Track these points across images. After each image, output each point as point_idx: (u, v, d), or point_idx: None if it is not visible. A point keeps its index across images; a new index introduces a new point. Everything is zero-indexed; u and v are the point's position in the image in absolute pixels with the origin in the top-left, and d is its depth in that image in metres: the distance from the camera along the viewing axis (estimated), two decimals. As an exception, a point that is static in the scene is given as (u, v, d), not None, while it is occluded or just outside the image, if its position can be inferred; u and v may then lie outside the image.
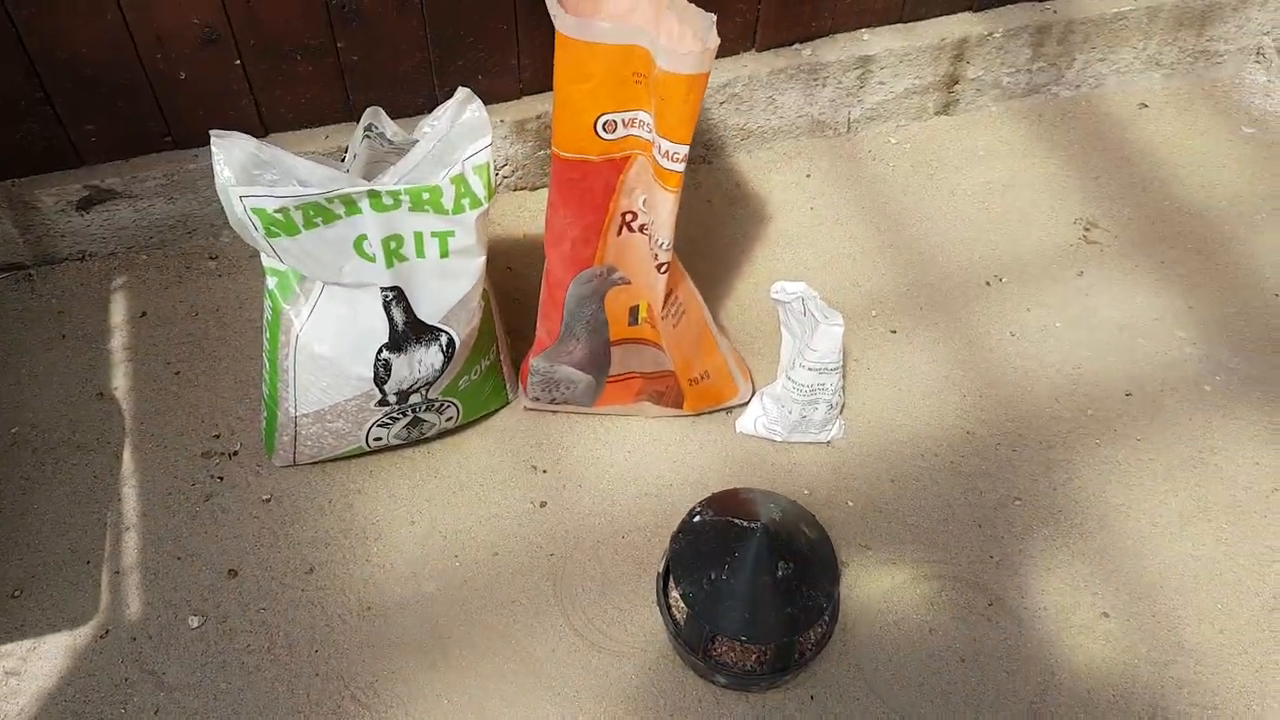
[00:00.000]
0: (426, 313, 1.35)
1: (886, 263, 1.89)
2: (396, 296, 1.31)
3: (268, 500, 1.53)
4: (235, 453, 1.57)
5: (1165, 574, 1.51)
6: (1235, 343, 1.79)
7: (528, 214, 1.92)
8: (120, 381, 1.64)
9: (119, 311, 1.72)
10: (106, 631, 1.40)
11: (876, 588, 1.49)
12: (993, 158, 2.09)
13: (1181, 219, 1.98)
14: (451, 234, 1.28)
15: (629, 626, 1.44)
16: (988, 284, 1.87)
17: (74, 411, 1.60)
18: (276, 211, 1.19)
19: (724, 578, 1.29)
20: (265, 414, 1.50)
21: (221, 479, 1.55)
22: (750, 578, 1.28)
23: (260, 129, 1.74)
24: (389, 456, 1.58)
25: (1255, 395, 1.72)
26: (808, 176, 2.02)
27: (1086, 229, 1.96)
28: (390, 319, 1.32)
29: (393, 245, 1.27)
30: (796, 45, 1.97)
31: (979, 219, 1.97)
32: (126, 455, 1.56)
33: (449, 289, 1.34)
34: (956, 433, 1.66)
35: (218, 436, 1.59)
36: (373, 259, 1.28)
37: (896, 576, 1.50)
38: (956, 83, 2.09)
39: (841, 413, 1.65)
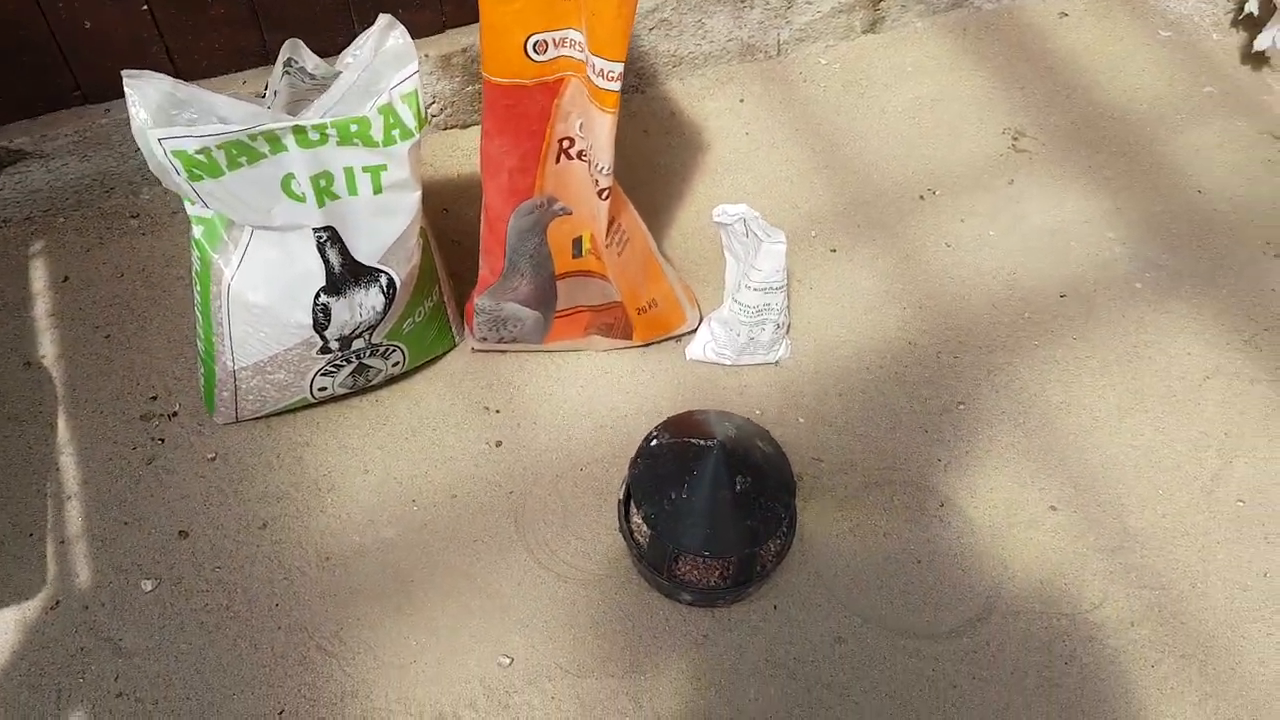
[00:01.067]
0: (364, 253, 1.32)
1: (823, 183, 1.90)
2: (331, 237, 1.28)
3: (213, 459, 1.49)
4: (175, 414, 1.53)
5: (1107, 465, 1.56)
6: (1163, 240, 1.84)
7: (460, 153, 1.88)
8: (48, 349, 1.58)
9: (40, 277, 1.65)
10: (57, 603, 1.36)
11: (830, 498, 1.51)
12: (921, 73, 2.10)
13: (1106, 123, 2.02)
14: (383, 168, 1.25)
15: (593, 555, 1.44)
16: (921, 198, 1.89)
17: (1, 383, 1.54)
18: (198, 153, 1.15)
19: (684, 496, 1.29)
20: (203, 371, 1.46)
21: (163, 441, 1.51)
22: (709, 494, 1.29)
23: (174, 77, 1.66)
24: (336, 407, 1.55)
25: (1184, 289, 1.77)
26: (741, 101, 2.01)
27: (1015, 138, 1.99)
28: (326, 261, 1.29)
29: (322, 183, 1.23)
30: (722, -33, 1.95)
31: (910, 135, 1.99)
32: (61, 423, 1.51)
33: (385, 227, 1.31)
34: (899, 344, 1.69)
35: (155, 398, 1.54)
36: (302, 199, 1.24)
37: (849, 486, 1.52)
38: (881, 0, 2.09)
39: (788, 333, 1.66)
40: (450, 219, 1.78)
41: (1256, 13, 2.08)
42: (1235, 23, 2.17)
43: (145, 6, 1.56)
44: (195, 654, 1.33)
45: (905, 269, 1.78)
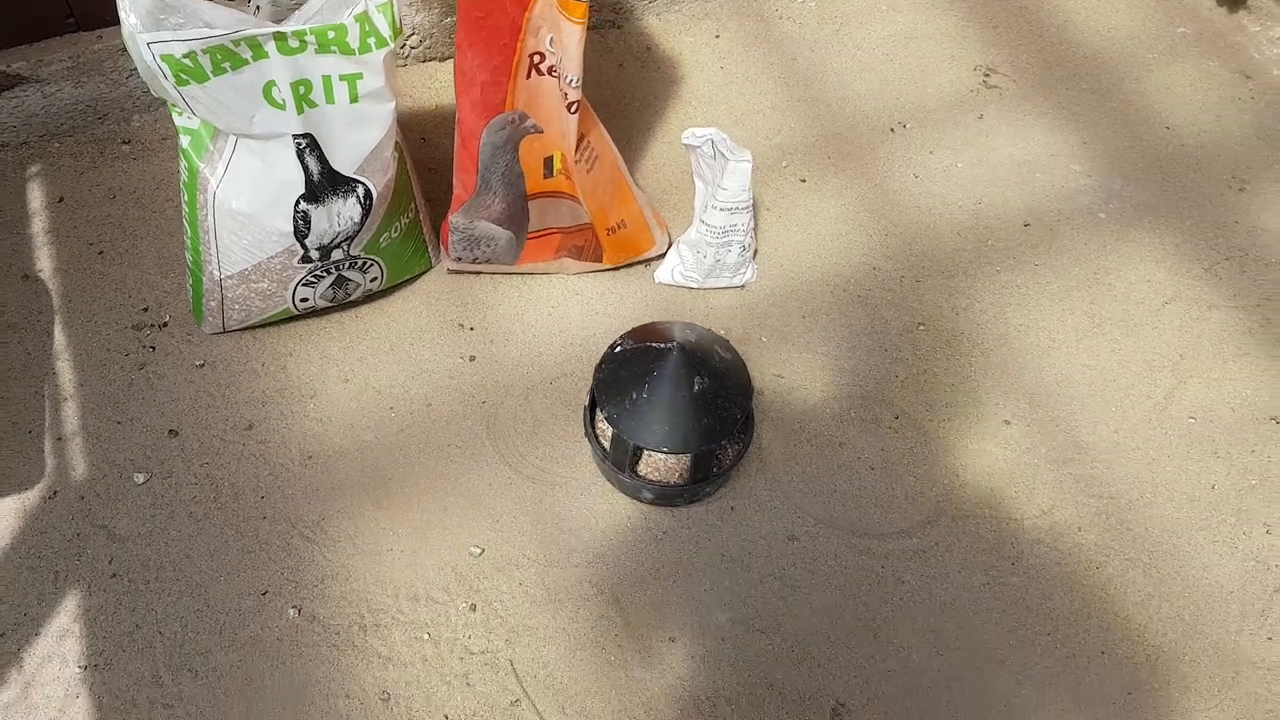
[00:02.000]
0: (341, 162, 1.38)
1: (796, 116, 1.95)
2: (310, 144, 1.34)
3: (201, 366, 1.57)
4: (165, 324, 1.61)
5: (1062, 384, 1.62)
6: (1128, 173, 1.89)
7: (438, 85, 1.94)
8: (45, 263, 1.65)
9: (36, 198, 1.73)
10: (54, 493, 1.44)
11: (789, 411, 1.57)
12: (895, 11, 2.14)
13: (1078, 62, 2.06)
14: (359, 76, 1.31)
15: (560, 460, 1.51)
16: (892, 130, 1.94)
17: (1, 294, 1.62)
18: (184, 57, 1.21)
19: (645, 396, 1.36)
20: (191, 281, 1.53)
21: (153, 349, 1.58)
22: (669, 393, 1.36)
23: (165, 6, 1.73)
24: (318, 321, 1.63)
25: (1147, 220, 1.82)
26: (717, 37, 2.06)
27: (986, 75, 2.03)
28: (305, 168, 1.36)
29: (302, 90, 1.30)
30: (699, -95, 1.99)
31: (884, 70, 2.03)
32: (58, 331, 1.58)
33: (361, 137, 1.37)
34: (863, 269, 1.74)
35: (146, 310, 1.62)
36: (283, 106, 1.30)
37: (808, 399, 1.59)
38: (859, -59, 2.13)
39: (754, 257, 1.72)
40: (428, 148, 1.84)
41: (1230, -45, 2.12)
42: (1210, -34, 2.20)
43: (138, -67, 1.63)
44: (184, 541, 1.41)
45: (873, 198, 1.84)
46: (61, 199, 1.73)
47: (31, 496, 1.44)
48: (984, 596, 1.42)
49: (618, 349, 1.43)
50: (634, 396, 1.37)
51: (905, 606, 1.40)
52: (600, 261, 1.67)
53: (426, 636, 1.35)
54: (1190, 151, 1.93)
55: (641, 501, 1.47)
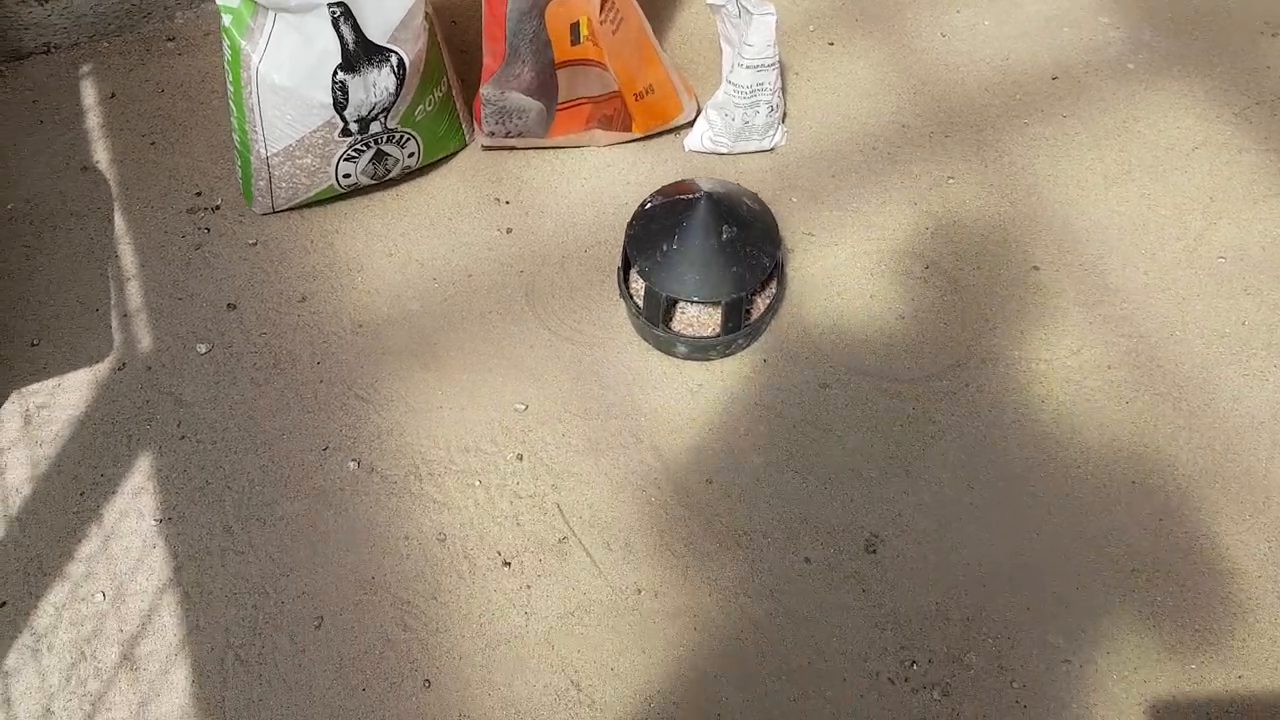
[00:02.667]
0: (374, 31, 1.43)
1: (821, -17, 1.95)
2: (344, 12, 1.39)
3: (254, 244, 1.64)
4: (217, 207, 1.68)
5: (1091, 230, 1.63)
6: (1156, 23, 1.87)
7: (469, -30, 1.97)
8: (101, 155, 1.73)
9: (89, 95, 1.80)
10: (123, 365, 1.53)
11: (820, 267, 1.61)
12: (922, -123, 2.11)
13: (1108, -84, 2.03)
14: (387, -59, 1.35)
15: (596, 322, 1.57)
16: (920, -8, 1.94)
17: (62, 185, 1.70)
18: (217, -73, 1.26)
19: (675, 247, 1.41)
20: (239, 162, 1.60)
21: (208, 230, 1.66)
22: (699, 243, 1.40)
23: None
24: (360, 201, 1.69)
25: (1177, 68, 1.81)
26: (740, -89, 2.06)
27: (1015, -66, 2.01)
28: (340, 36, 1.40)
29: (333, -43, 1.34)
30: None
31: (910, -64, 2.02)
32: (117, 218, 1.67)
33: (392, 4, 1.42)
34: (893, 128, 1.76)
35: (199, 194, 1.69)
36: (316, -25, 1.35)
37: (838, 255, 1.62)
38: None
39: (783, 120, 1.74)
40: (458, 30, 1.88)
41: None
42: None
43: None
44: (247, 404, 1.50)
45: (901, 58, 1.84)
46: (113, 95, 1.80)
47: (102, 369, 1.53)
48: (1014, 433, 1.46)
49: (648, 205, 1.47)
50: (664, 249, 1.41)
51: (936, 444, 1.45)
52: (630, 130, 1.71)
53: (478, 483, 1.43)
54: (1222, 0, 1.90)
55: (676, 356, 1.52)
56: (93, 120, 1.77)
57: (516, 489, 1.43)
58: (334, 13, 1.38)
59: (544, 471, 1.44)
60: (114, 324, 1.57)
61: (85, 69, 1.83)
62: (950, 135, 1.74)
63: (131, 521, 1.41)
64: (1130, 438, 1.45)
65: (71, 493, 1.43)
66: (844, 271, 1.61)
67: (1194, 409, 1.47)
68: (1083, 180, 1.68)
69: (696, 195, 1.40)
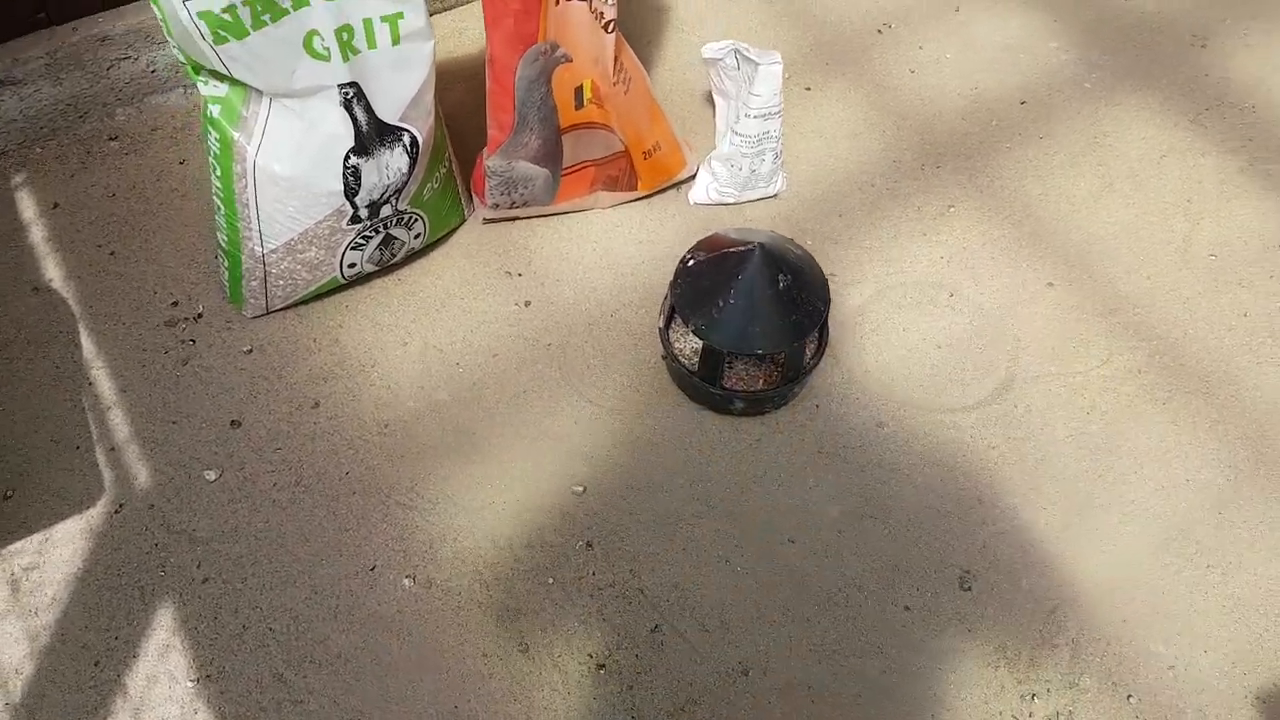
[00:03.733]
0: (385, 111, 1.33)
1: (786, 30, 1.96)
2: (356, 94, 1.29)
3: (249, 351, 1.50)
4: (200, 315, 1.53)
5: (1090, 242, 1.68)
6: (1099, 44, 1.96)
7: (440, 34, 1.87)
8: (53, 272, 1.55)
9: (28, 207, 1.61)
10: (120, 506, 1.36)
11: (849, 306, 1.59)
12: (850, -77, 2.17)
13: (1029, -53, 2.13)
14: (400, 16, 1.26)
15: (640, 388, 1.50)
16: (879, 32, 1.97)
17: (14, 310, 1.51)
18: (224, 11, 1.15)
19: (731, 301, 1.36)
20: (226, 264, 1.46)
21: (194, 342, 1.50)
22: (756, 295, 1.35)
23: (133, -10, 1.64)
24: (361, 290, 1.57)
25: (1128, 83, 1.90)
26: (688, -35, 2.06)
27: (950, -30, 2.08)
28: (353, 119, 1.30)
29: (345, 36, 1.24)
30: None
31: (853, -22, 2.06)
32: (85, 340, 1.49)
33: (404, 81, 1.33)
34: (885, 163, 1.77)
35: (176, 304, 1.53)
36: (326, 55, 1.25)
37: (864, 292, 1.61)
38: None
39: (782, 165, 1.73)
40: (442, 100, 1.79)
41: None
42: None
43: (103, -88, 1.53)
44: (274, 530, 1.35)
45: (877, 96, 1.86)
46: (56, 204, 1.62)
47: (96, 514, 1.35)
48: (1069, 448, 1.46)
49: (690, 262, 1.42)
50: (720, 304, 1.36)
51: (1001, 470, 1.44)
52: (634, 190, 1.66)
53: (551, 581, 1.33)
54: (1150, 18, 2.01)
55: (732, 413, 1.46)
56: (37, 234, 1.58)
57: (594, 580, 1.33)
58: (345, 94, 1.28)
59: (619, 556, 1.35)
60: (100, 460, 1.39)
61: (19, 179, 1.64)
62: (941, 165, 1.76)
63: (163, 687, 1.24)
64: (1175, 436, 1.48)
65: (84, 664, 1.24)
66: (873, 308, 1.59)
67: (1224, 401, 1.52)
68: (1071, 196, 1.74)
69: (749, 247, 1.36)
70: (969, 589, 1.34)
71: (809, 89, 1.86)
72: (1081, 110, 1.85)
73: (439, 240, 1.62)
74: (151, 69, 1.71)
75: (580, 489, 1.40)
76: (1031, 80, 1.90)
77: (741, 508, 1.39)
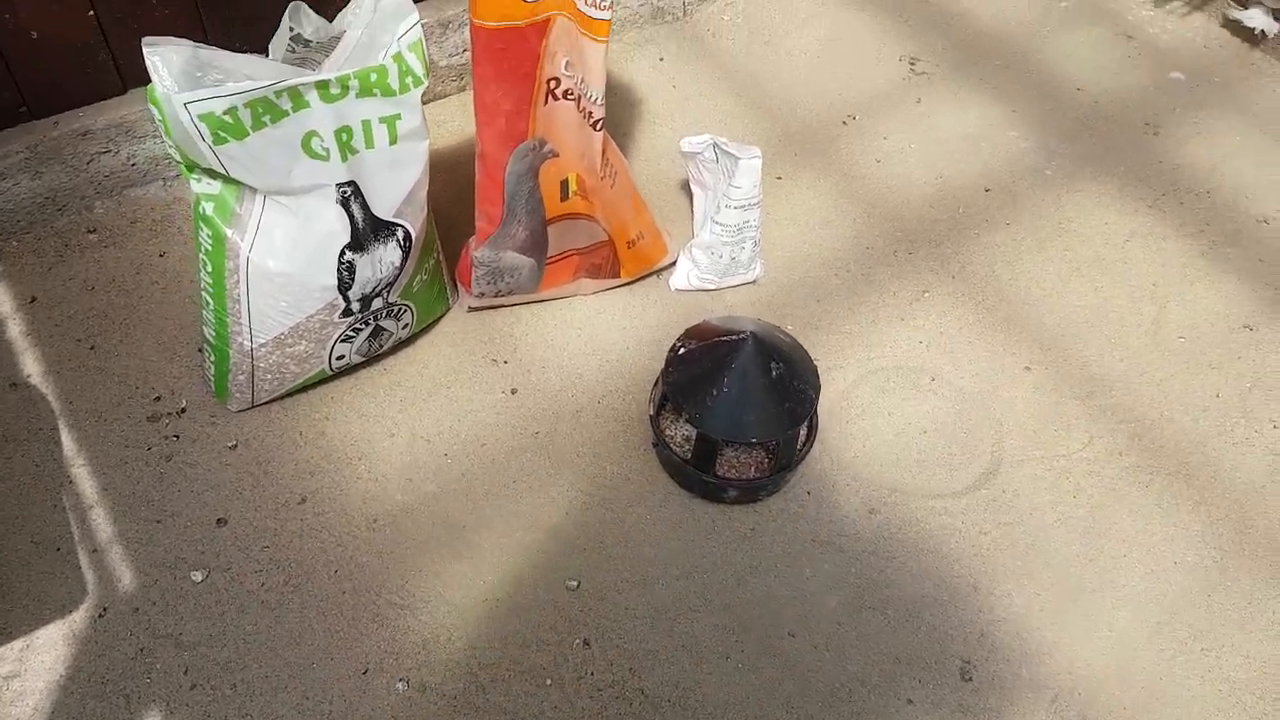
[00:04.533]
0: (381, 207, 1.34)
1: (753, 122, 2.01)
2: (354, 192, 1.29)
3: (234, 446, 1.47)
4: (183, 409, 1.50)
5: (1063, 325, 1.73)
6: (1057, 132, 2.04)
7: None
8: (32, 368, 1.51)
9: (5, 301, 1.58)
10: (104, 610, 1.31)
11: (833, 391, 1.61)
12: (815, 19, 2.25)
13: (985, 42, 2.22)
14: (398, 117, 1.28)
15: (629, 476, 1.50)
16: (844, 123, 2.03)
17: (-11, 408, 1.47)
18: (225, 113, 1.15)
19: (725, 390, 1.37)
20: (212, 358, 1.44)
21: (177, 437, 1.47)
22: (750, 383, 1.37)
23: (120, 85, 1.64)
24: (347, 381, 1.55)
25: (1087, 170, 1.97)
26: (661, 60, 2.11)
27: (912, 63, 2.16)
28: (351, 216, 1.30)
29: (344, 137, 1.25)
30: (625, -67, 2.04)
31: (820, 71, 2.13)
32: (65, 437, 1.45)
33: (400, 179, 1.33)
34: (858, 249, 1.81)
35: (159, 399, 1.51)
36: (324, 156, 1.25)
37: (847, 377, 1.63)
38: (768, -46, 2.23)
39: (760, 252, 1.76)
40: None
41: (1093, -68, 2.34)
42: (1074, -55, 2.42)
43: (91, 12, 1.53)
44: (263, 633, 1.31)
45: (846, 185, 1.91)
46: (34, 298, 1.59)
47: (78, 618, 1.30)
48: (1059, 532, 1.48)
49: (680, 350, 1.43)
50: (714, 393, 1.37)
51: (993, 556, 1.45)
52: (617, 277, 1.67)
53: (549, 682, 1.30)
54: (1103, 107, 2.10)
55: (725, 502, 1.46)
56: (15, 329, 1.55)
57: (594, 680, 1.31)
58: (343, 193, 1.29)
59: (617, 654, 1.33)
60: (83, 562, 1.34)
61: (-8, 274, 1.62)
62: (913, 251, 1.81)
63: (149, 799, 1.19)
64: (1160, 518, 1.51)
65: (66, 776, 1.19)
66: (857, 393, 1.61)
67: (1204, 483, 1.55)
68: (1040, 280, 1.79)
69: (741, 335, 1.38)
70: (970, 679, 1.34)
71: (780, 178, 1.91)
72: (1045, 197, 1.92)
73: (424, 329, 1.62)
74: (131, 162, 1.70)
75: (574, 583, 1.39)
76: (994, 168, 1.96)
77: (739, 600, 1.39)
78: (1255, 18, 2.16)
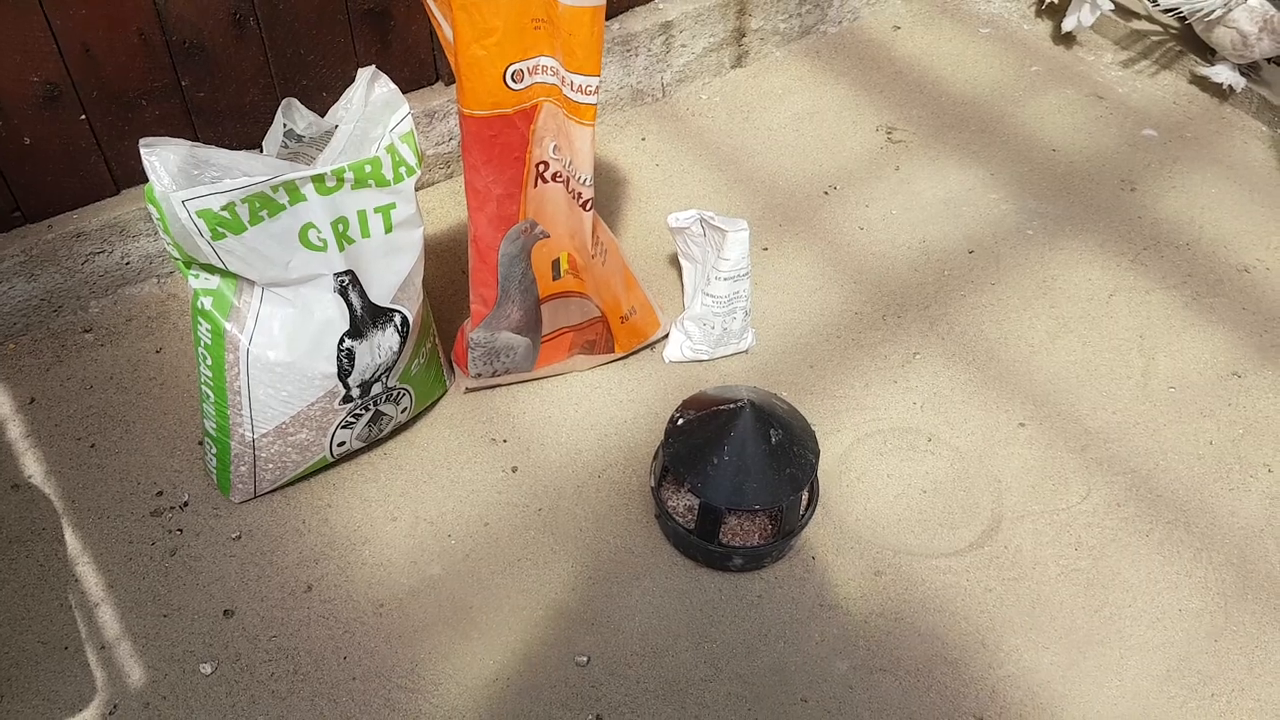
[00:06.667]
0: (377, 294, 1.36)
1: (736, 196, 2.06)
2: (351, 280, 1.32)
3: (238, 537, 1.47)
4: (186, 503, 1.50)
5: (1053, 381, 1.75)
6: (1036, 192, 2.09)
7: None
8: (33, 468, 1.52)
9: (3, 404, 1.59)
10: (115, 707, 1.30)
11: (831, 455, 1.62)
12: (790, 94, 2.31)
13: (959, 109, 2.28)
14: (393, 206, 1.31)
15: (634, 550, 1.50)
16: (826, 193, 2.08)
17: (-8, 510, 1.48)
18: (223, 209, 1.18)
19: (725, 458, 1.38)
20: (214, 451, 1.45)
21: (181, 531, 1.47)
22: (751, 450, 1.38)
23: (112, 186, 1.67)
24: (348, 468, 1.56)
25: (1068, 229, 2.02)
26: (643, 140, 2.17)
27: (889, 133, 2.22)
28: (349, 304, 1.33)
29: (341, 228, 1.28)
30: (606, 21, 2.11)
31: (799, 144, 2.19)
32: (69, 536, 1.45)
33: (396, 265, 1.37)
34: (847, 315, 1.84)
35: (161, 493, 1.51)
36: (322, 247, 1.28)
37: (843, 441, 1.65)
38: (744, 35, 2.31)
39: (751, 321, 1.79)
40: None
41: (1056, 1, 2.42)
42: (1039, 13, 2.50)
43: (83, 116, 1.58)
44: (274, 724, 1.30)
45: (831, 253, 1.95)
46: (33, 399, 1.60)
47: (89, 717, 1.29)
48: (1063, 586, 1.48)
49: (679, 421, 1.45)
50: (714, 461, 1.39)
51: (1000, 612, 1.45)
52: (611, 352, 1.70)
53: (561, 757, 1.29)
54: (1080, 166, 2.16)
55: (731, 570, 1.47)
56: (14, 431, 1.56)
57: (606, 753, 1.30)
58: (341, 282, 1.32)
59: (629, 727, 1.32)
60: (91, 660, 1.34)
61: (-8, 376, 1.63)
62: (902, 316, 1.84)
63: None
64: (1162, 567, 1.51)
65: None
66: (855, 456, 1.63)
67: (1203, 529, 1.56)
68: (1029, 339, 1.82)
69: (739, 404, 1.40)
70: (983, 737, 1.33)
71: (767, 249, 1.95)
72: (1028, 256, 1.96)
73: (423, 412, 1.63)
74: (126, 261, 1.74)
75: (584, 659, 1.38)
76: (976, 230, 2.01)
77: (750, 668, 1.38)
78: (1222, 73, 2.23)
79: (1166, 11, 2.29)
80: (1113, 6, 2.33)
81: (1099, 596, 1.47)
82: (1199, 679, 1.39)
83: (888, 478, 1.60)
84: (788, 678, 1.37)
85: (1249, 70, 2.24)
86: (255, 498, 1.50)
